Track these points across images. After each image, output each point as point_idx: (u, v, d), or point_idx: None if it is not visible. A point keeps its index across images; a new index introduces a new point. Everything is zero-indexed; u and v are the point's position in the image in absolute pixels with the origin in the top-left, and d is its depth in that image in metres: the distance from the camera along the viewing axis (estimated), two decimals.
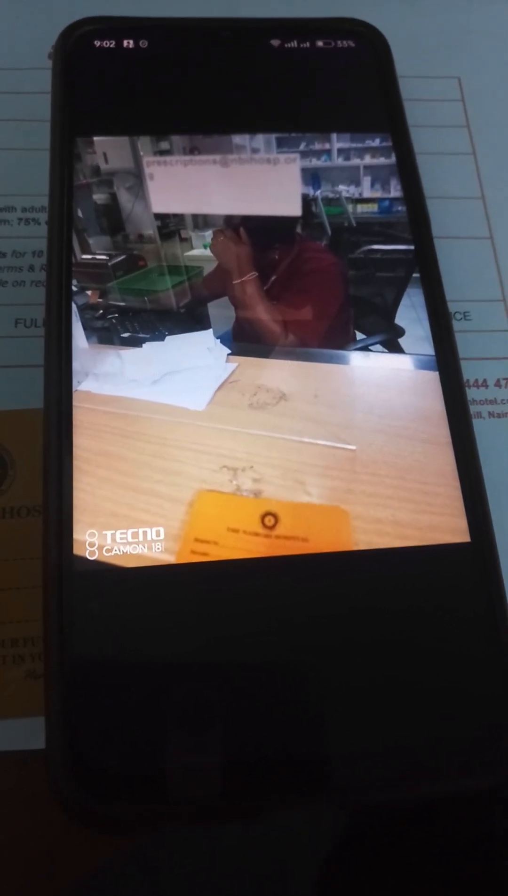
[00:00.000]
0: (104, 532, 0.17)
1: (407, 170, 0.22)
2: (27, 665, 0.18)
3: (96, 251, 0.20)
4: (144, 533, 0.17)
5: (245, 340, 0.19)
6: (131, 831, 0.16)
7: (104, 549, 0.17)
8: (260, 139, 0.22)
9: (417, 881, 0.18)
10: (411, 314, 0.20)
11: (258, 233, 0.21)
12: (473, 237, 0.23)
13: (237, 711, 0.16)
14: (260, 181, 0.21)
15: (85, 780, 0.15)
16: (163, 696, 0.16)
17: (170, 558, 0.17)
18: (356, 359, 0.19)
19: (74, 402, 0.18)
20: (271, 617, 0.17)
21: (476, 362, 0.22)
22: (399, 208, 0.21)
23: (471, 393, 0.21)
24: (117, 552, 0.17)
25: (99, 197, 0.21)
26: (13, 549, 0.19)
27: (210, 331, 0.19)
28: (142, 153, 0.21)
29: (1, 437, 0.20)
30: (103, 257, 0.20)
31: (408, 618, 0.17)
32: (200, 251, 0.20)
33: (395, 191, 0.22)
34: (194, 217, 0.21)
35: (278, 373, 0.19)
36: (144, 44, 0.23)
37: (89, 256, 0.20)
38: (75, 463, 0.17)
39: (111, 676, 0.16)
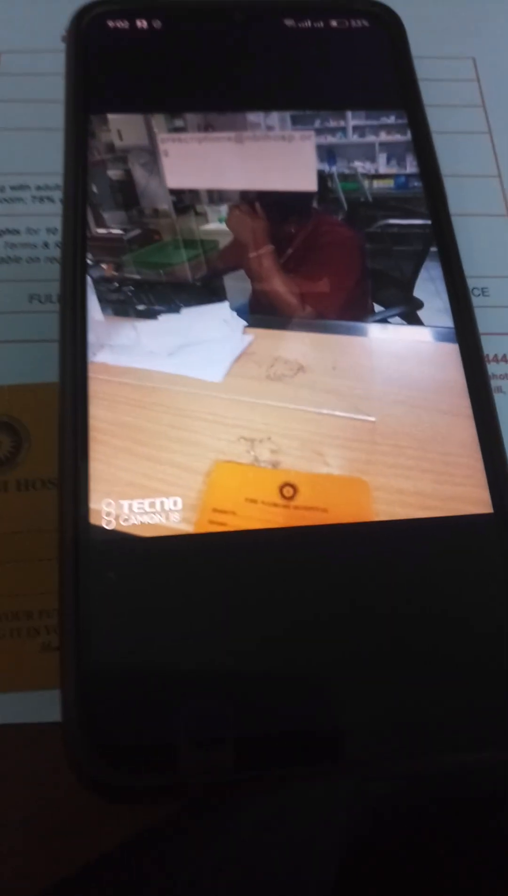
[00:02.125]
0: (121, 501, 0.17)
1: (423, 145, 0.22)
2: (42, 638, 0.18)
3: (111, 225, 0.20)
4: (162, 503, 0.17)
5: (262, 312, 0.19)
6: (147, 802, 0.16)
7: (121, 518, 0.16)
8: (274, 117, 0.22)
9: (433, 856, 0.17)
10: (429, 287, 0.20)
11: (274, 207, 0.20)
12: (490, 214, 0.23)
13: (253, 682, 0.15)
14: (275, 157, 0.21)
15: (101, 750, 0.15)
16: (179, 666, 0.15)
17: (188, 528, 0.17)
18: (375, 331, 0.19)
19: (90, 374, 0.18)
20: (290, 587, 0.16)
21: (495, 337, 0.21)
22: (415, 184, 0.21)
23: (491, 368, 0.21)
24: (135, 522, 0.16)
25: (114, 173, 0.21)
26: (28, 521, 0.18)
27: (226, 303, 0.19)
28: (156, 130, 0.21)
29: (16, 410, 0.20)
30: (118, 231, 0.20)
31: (428, 588, 0.17)
32: (215, 225, 0.20)
33: (411, 167, 0.21)
34: (210, 192, 0.21)
35: (295, 344, 0.19)
36: (157, 24, 0.23)
37: (104, 230, 0.20)
38: (92, 433, 0.17)
39: (127, 647, 0.16)
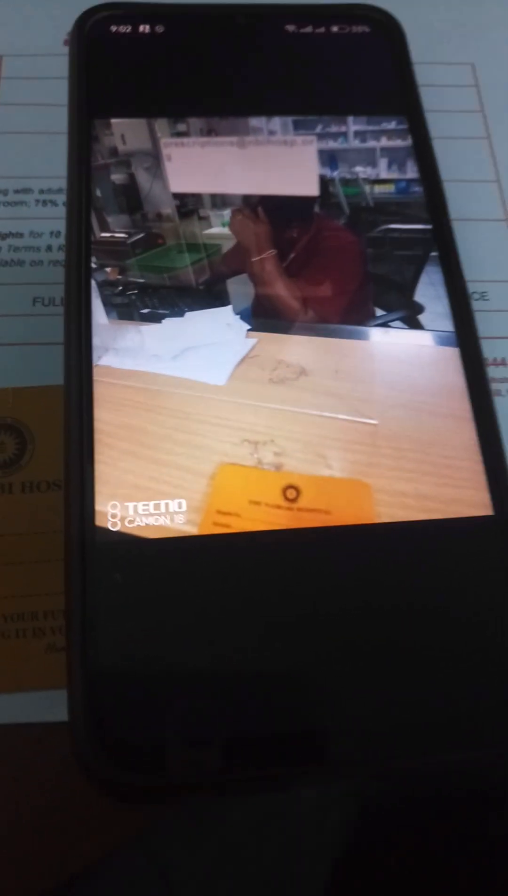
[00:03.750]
0: (126, 504, 0.17)
1: (423, 151, 0.22)
2: (48, 638, 0.18)
3: (115, 229, 0.20)
4: (167, 505, 0.17)
5: (265, 316, 0.19)
6: (154, 801, 0.16)
7: (126, 520, 0.17)
8: (276, 122, 0.22)
9: (428, 856, 0.18)
10: (430, 292, 0.20)
11: (277, 212, 0.21)
12: (489, 219, 0.23)
13: (260, 682, 0.16)
14: (277, 162, 0.21)
15: (108, 749, 0.15)
16: (185, 666, 0.16)
17: (192, 530, 0.17)
18: (377, 335, 0.19)
19: (95, 377, 0.18)
20: (293, 588, 0.17)
21: (495, 341, 0.22)
22: (416, 189, 0.21)
23: (491, 371, 0.21)
24: (140, 524, 0.17)
25: (117, 177, 0.21)
26: (33, 523, 0.19)
27: (229, 307, 0.19)
28: (159, 135, 0.21)
29: (20, 413, 0.20)
30: (122, 235, 0.20)
31: (429, 590, 0.17)
32: (218, 229, 0.20)
33: (411, 172, 0.22)
34: (212, 197, 0.21)
35: (298, 348, 0.19)
36: (160, 29, 0.23)
37: (108, 234, 0.20)
38: (97, 436, 0.17)
39: (133, 646, 0.16)
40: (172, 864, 0.17)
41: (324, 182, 0.21)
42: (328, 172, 0.21)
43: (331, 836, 0.18)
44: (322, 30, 0.24)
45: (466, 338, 0.19)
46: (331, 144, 0.22)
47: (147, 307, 0.19)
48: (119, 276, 0.20)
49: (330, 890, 0.17)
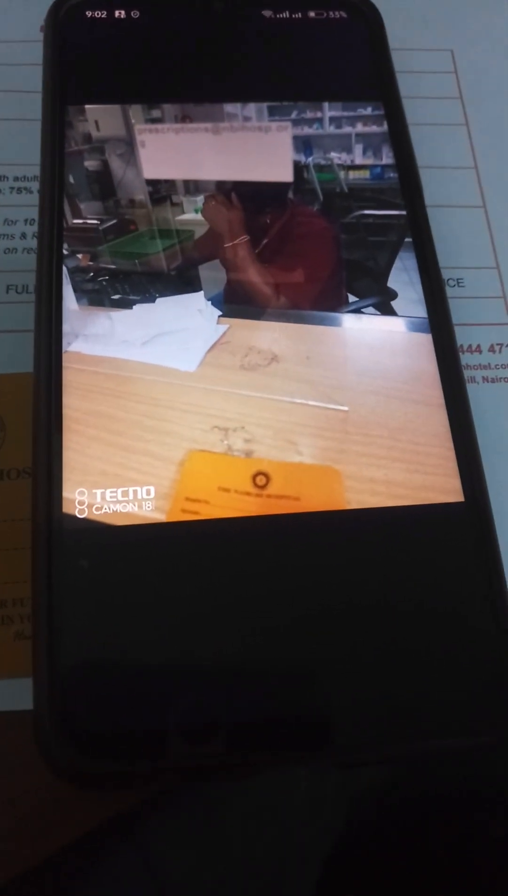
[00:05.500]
0: (94, 490, 0.17)
1: (399, 137, 0.22)
2: (16, 626, 0.18)
3: (88, 216, 0.20)
4: (135, 492, 0.17)
5: (237, 303, 0.19)
6: (121, 789, 0.16)
7: (94, 507, 0.17)
8: (252, 108, 0.22)
9: (421, 855, 0.18)
10: (403, 277, 0.20)
11: (250, 198, 0.21)
12: (466, 206, 0.23)
13: (227, 670, 0.16)
14: (252, 148, 0.21)
15: (71, 738, 0.15)
16: (151, 654, 0.16)
17: (160, 517, 0.17)
18: (349, 321, 0.19)
19: (65, 363, 0.18)
20: (263, 575, 0.16)
21: (471, 328, 0.22)
22: (391, 175, 0.21)
23: (465, 358, 0.21)
24: (107, 510, 0.17)
25: (91, 164, 0.21)
26: (5, 511, 0.18)
27: (201, 293, 0.19)
28: (133, 121, 0.21)
29: None
30: (94, 221, 0.20)
31: (400, 576, 0.17)
32: (191, 215, 0.20)
33: (387, 158, 0.22)
34: (186, 183, 0.21)
35: (269, 334, 0.19)
36: (135, 14, 0.23)
37: (80, 221, 0.20)
38: (65, 423, 0.17)
39: (100, 635, 0.16)
40: (162, 860, 0.17)
41: (299, 168, 0.21)
42: (302, 158, 0.21)
43: (324, 834, 0.18)
44: (299, 15, 0.23)
45: (439, 324, 0.19)
46: (306, 130, 0.22)
47: (118, 293, 0.19)
48: (91, 263, 0.19)
49: (323, 888, 0.17)
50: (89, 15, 0.23)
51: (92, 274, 0.19)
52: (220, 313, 0.19)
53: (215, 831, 0.17)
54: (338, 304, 0.20)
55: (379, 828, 0.18)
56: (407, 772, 0.19)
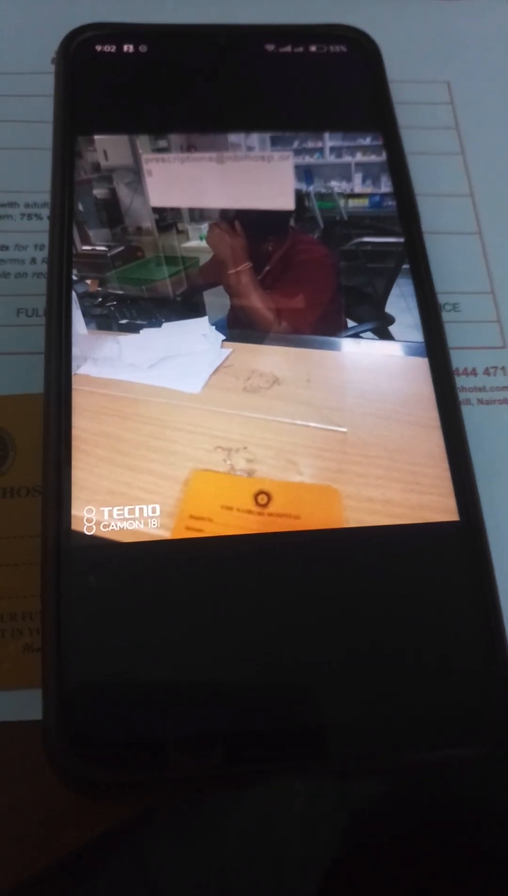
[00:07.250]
0: (102, 508, 0.17)
1: (397, 166, 0.22)
2: (25, 639, 0.18)
3: (96, 243, 0.21)
4: (141, 510, 0.17)
5: (240, 327, 0.20)
6: (126, 798, 0.17)
7: (101, 524, 0.17)
8: (255, 138, 0.23)
9: (413, 850, 0.18)
10: (401, 303, 0.21)
11: (253, 225, 0.21)
12: (462, 232, 0.24)
13: (231, 681, 0.16)
14: (255, 177, 0.22)
15: (80, 748, 0.15)
16: (157, 667, 0.16)
17: (165, 534, 0.17)
18: (348, 345, 0.20)
19: (74, 385, 0.19)
20: (264, 591, 0.17)
21: (466, 351, 0.22)
22: (389, 203, 0.22)
23: (461, 381, 0.22)
24: (114, 528, 0.17)
25: (99, 192, 0.22)
26: (13, 527, 0.19)
27: (205, 318, 0.20)
28: (141, 151, 0.22)
29: (2, 420, 0.20)
30: (103, 248, 0.21)
31: (399, 591, 0.17)
32: (196, 242, 0.21)
33: (385, 187, 0.22)
34: (191, 211, 0.22)
35: (271, 358, 0.20)
36: (143, 48, 0.24)
37: (89, 247, 0.21)
38: (74, 443, 0.18)
39: (106, 648, 0.16)
40: (160, 871, 0.17)
41: (300, 196, 0.22)
42: (303, 187, 0.22)
43: (321, 844, 0.18)
44: (301, 49, 0.24)
45: (435, 348, 0.20)
46: (307, 160, 0.22)
47: (125, 318, 0.20)
48: (99, 288, 0.20)
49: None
50: (99, 49, 0.24)
51: (100, 299, 0.20)
52: (223, 337, 0.20)
53: (212, 842, 0.18)
54: (337, 329, 0.20)
55: (376, 838, 0.19)
56: (404, 782, 0.19)
